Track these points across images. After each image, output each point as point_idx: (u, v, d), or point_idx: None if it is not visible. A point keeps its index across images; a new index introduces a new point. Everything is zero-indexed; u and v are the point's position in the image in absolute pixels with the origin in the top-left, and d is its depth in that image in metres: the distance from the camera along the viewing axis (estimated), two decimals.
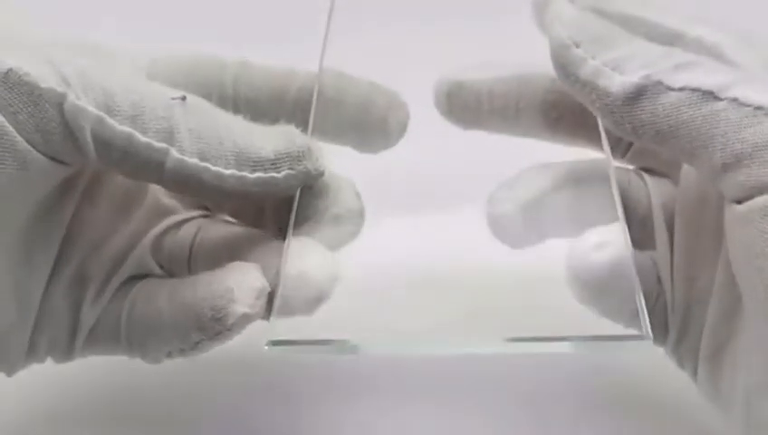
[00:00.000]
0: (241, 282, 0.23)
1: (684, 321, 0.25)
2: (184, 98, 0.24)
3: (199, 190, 0.24)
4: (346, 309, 0.24)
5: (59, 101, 0.22)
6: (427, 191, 0.28)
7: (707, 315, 0.24)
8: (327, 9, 0.30)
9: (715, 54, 0.24)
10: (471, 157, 0.29)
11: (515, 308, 0.25)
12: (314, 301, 0.24)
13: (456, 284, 0.26)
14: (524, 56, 0.27)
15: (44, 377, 0.28)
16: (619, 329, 0.24)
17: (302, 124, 0.26)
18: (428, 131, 0.29)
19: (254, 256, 0.25)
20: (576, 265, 0.25)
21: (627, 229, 0.24)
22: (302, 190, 0.25)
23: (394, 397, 0.31)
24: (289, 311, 0.24)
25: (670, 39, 0.25)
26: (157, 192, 0.28)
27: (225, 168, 0.24)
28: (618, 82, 0.23)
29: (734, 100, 0.21)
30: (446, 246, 0.27)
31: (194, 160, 0.23)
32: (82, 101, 0.22)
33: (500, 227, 0.27)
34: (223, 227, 0.28)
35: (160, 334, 0.25)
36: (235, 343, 0.24)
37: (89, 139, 0.23)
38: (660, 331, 0.26)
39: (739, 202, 0.21)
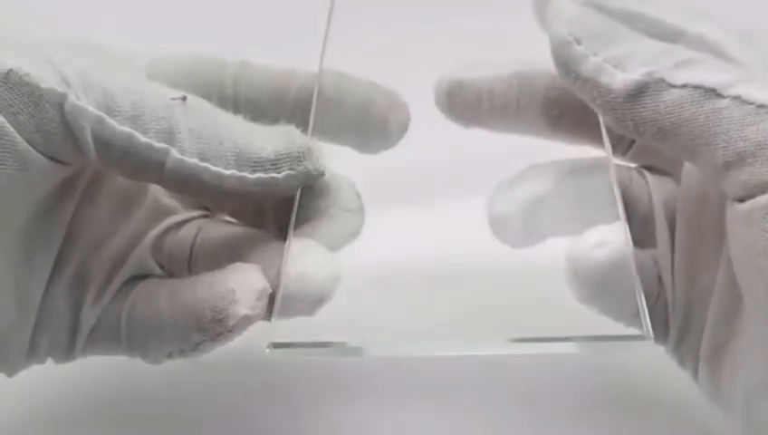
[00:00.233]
0: (242, 283, 0.23)
1: (685, 320, 0.25)
2: (184, 98, 0.24)
3: (199, 191, 0.24)
4: (347, 309, 0.24)
5: (59, 102, 0.22)
6: (428, 191, 0.29)
7: (708, 315, 0.24)
8: (327, 9, 0.30)
9: (716, 51, 0.24)
10: (472, 156, 0.29)
11: (516, 308, 0.25)
12: (315, 302, 0.24)
13: (456, 283, 0.26)
14: (525, 55, 0.27)
15: (44, 377, 0.28)
16: (619, 328, 0.24)
17: (303, 124, 0.26)
18: (429, 131, 0.29)
19: (255, 257, 0.25)
20: (576, 264, 0.25)
21: (627, 228, 0.24)
22: (302, 190, 0.25)
23: (394, 397, 0.31)
24: (290, 312, 0.24)
25: (671, 36, 0.25)
26: (157, 192, 0.28)
27: (226, 168, 0.24)
28: (619, 79, 0.23)
29: (737, 97, 0.21)
30: (446, 245, 0.27)
31: (194, 161, 0.23)
32: (83, 102, 0.22)
33: (500, 227, 0.27)
34: (223, 228, 0.28)
35: (161, 335, 0.25)
36: (235, 344, 0.24)
37: (89, 139, 0.23)
38: (661, 330, 0.26)
39: (741, 201, 0.21)
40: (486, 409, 0.30)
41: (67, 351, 0.26)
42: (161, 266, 0.27)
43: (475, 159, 0.29)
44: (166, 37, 0.42)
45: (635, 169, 0.28)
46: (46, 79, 0.22)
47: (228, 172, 0.24)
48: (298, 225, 0.25)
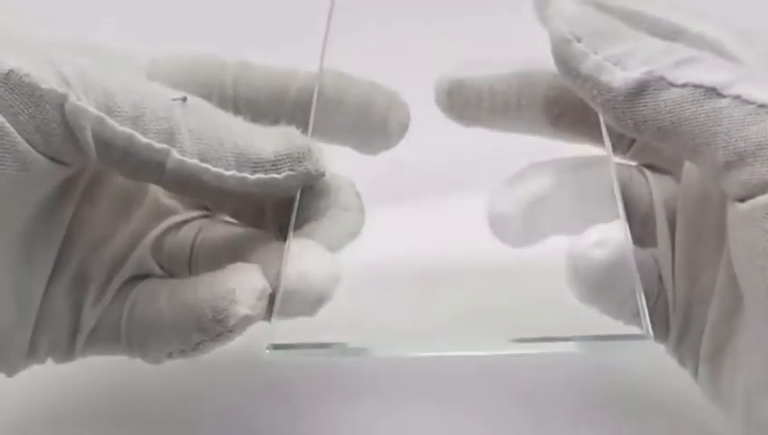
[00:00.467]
0: (242, 283, 0.23)
1: (685, 319, 0.25)
2: (184, 99, 0.24)
3: (200, 191, 0.24)
4: (347, 310, 0.24)
5: (60, 102, 0.22)
6: (428, 190, 0.29)
7: (708, 314, 0.24)
8: (327, 9, 0.30)
9: (717, 50, 0.24)
10: (472, 155, 0.29)
11: (516, 308, 0.25)
12: (315, 302, 0.24)
13: (456, 283, 0.26)
14: (525, 54, 0.27)
15: (44, 377, 0.28)
16: (620, 328, 0.24)
17: (303, 124, 0.26)
18: (429, 131, 0.29)
19: (255, 257, 0.25)
20: (576, 263, 0.25)
21: (628, 227, 0.24)
22: (302, 191, 0.25)
23: (394, 397, 0.31)
24: (290, 312, 0.24)
25: (672, 34, 0.25)
26: (157, 192, 0.28)
27: (226, 169, 0.24)
28: (620, 78, 0.23)
29: (737, 97, 0.21)
30: (446, 245, 0.27)
31: (194, 161, 0.23)
32: (83, 102, 0.22)
33: (500, 227, 0.27)
34: (223, 228, 0.27)
35: (161, 335, 0.25)
36: (235, 344, 0.24)
37: (89, 139, 0.23)
38: (661, 329, 0.26)
39: (742, 200, 0.21)
40: (486, 409, 0.30)
41: (67, 351, 0.26)
42: (161, 267, 0.27)
43: (475, 159, 0.29)
44: (166, 37, 0.42)
45: (635, 167, 0.28)
46: (47, 79, 0.22)
47: (228, 173, 0.24)
48: (298, 225, 0.25)
